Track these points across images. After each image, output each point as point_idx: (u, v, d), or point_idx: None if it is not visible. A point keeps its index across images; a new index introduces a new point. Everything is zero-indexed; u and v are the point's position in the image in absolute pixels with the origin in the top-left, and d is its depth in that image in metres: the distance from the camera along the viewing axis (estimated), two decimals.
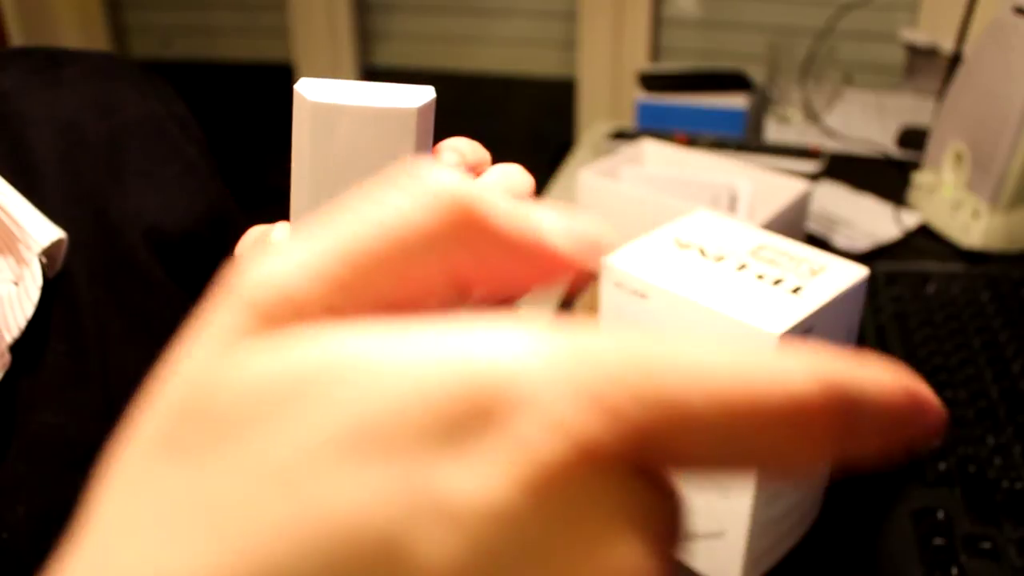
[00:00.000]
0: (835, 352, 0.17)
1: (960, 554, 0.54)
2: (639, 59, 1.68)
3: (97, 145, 0.49)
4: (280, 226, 0.32)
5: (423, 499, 0.13)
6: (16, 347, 0.43)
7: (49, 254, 0.44)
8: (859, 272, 0.50)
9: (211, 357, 0.15)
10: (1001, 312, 0.77)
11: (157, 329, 0.49)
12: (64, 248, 0.44)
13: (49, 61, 0.51)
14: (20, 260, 0.43)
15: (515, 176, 0.35)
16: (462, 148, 0.33)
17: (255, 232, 0.34)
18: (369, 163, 0.31)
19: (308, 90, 0.30)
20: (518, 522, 0.13)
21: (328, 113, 0.30)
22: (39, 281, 0.42)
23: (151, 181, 0.50)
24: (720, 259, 0.51)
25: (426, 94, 0.31)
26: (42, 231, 0.43)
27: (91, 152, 0.49)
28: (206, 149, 0.55)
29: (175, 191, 0.51)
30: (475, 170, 0.34)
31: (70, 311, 0.46)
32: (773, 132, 1.26)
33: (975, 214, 0.90)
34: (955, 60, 0.99)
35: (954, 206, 0.93)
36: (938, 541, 0.54)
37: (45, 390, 0.44)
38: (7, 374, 0.42)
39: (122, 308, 0.48)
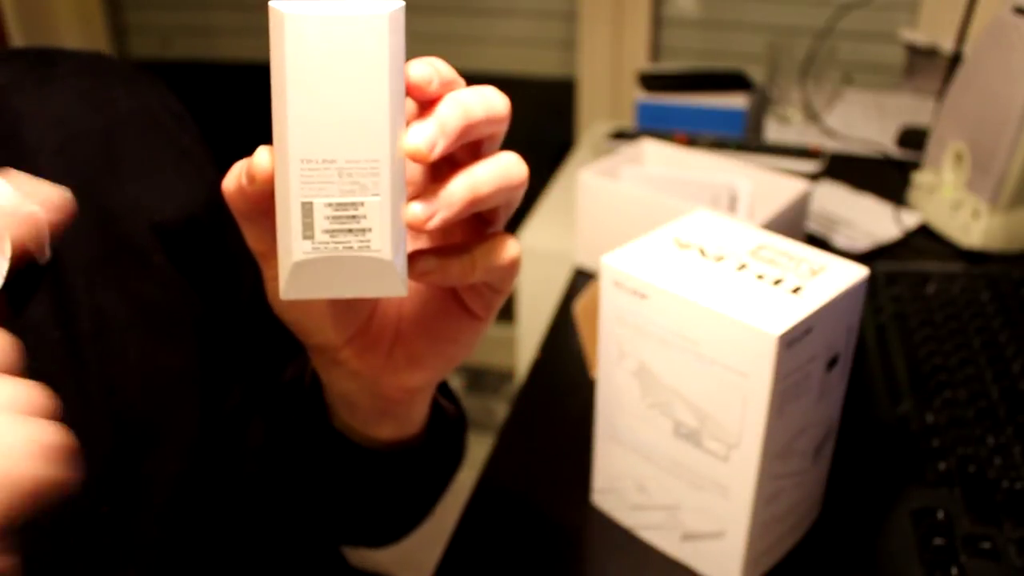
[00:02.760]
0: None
1: (960, 554, 0.54)
2: (639, 59, 1.68)
3: (91, 138, 0.49)
4: (261, 149, 0.33)
5: None
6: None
7: None
8: (859, 272, 0.50)
9: None
10: (1001, 312, 0.77)
11: (157, 315, 0.49)
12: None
13: (41, 60, 0.51)
14: None
15: (490, 95, 0.35)
16: (436, 63, 0.34)
17: (239, 164, 0.34)
18: (345, 71, 0.31)
19: (283, 5, 0.31)
20: None
21: (302, 24, 0.31)
22: (5, 264, 0.42)
23: (148, 170, 0.51)
24: (720, 259, 0.51)
25: (396, 2, 0.31)
26: None
27: (85, 145, 0.49)
28: (201, 139, 0.55)
29: (172, 179, 0.51)
30: (449, 86, 0.34)
31: (65, 299, 0.46)
32: (773, 132, 1.26)
33: (975, 214, 0.90)
34: (955, 60, 0.99)
35: (954, 206, 0.93)
36: (938, 541, 0.54)
37: (36, 378, 0.44)
38: None
39: (122, 295, 0.48)
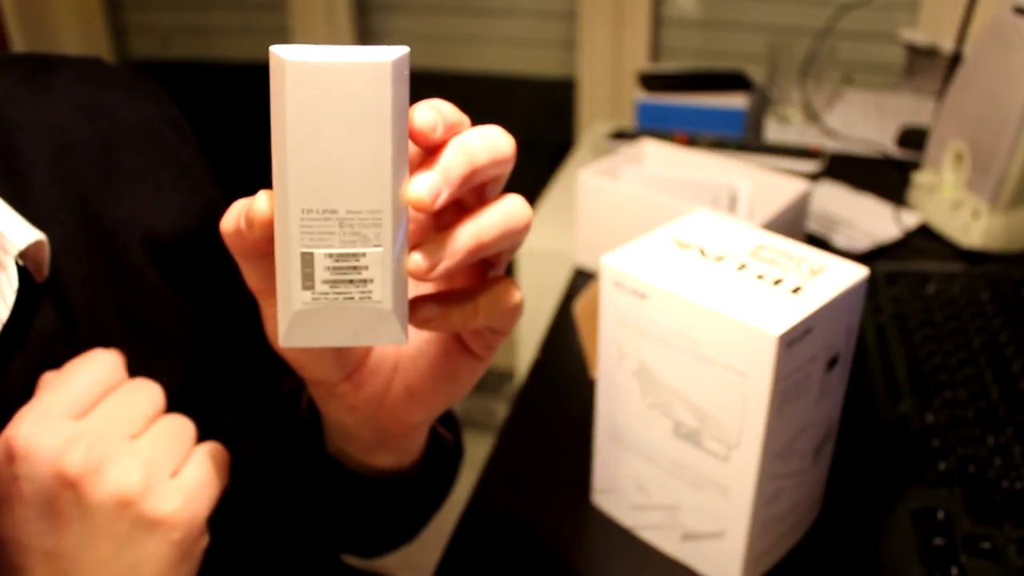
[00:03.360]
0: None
1: (960, 554, 0.54)
2: (639, 59, 1.68)
3: (88, 149, 0.49)
4: (261, 194, 0.32)
5: None
6: (4, 351, 0.43)
7: (33, 258, 0.44)
8: (859, 272, 0.50)
9: None
10: (1001, 312, 0.77)
11: (152, 333, 0.49)
12: (47, 251, 0.44)
13: (39, 68, 0.50)
14: None
15: (495, 137, 0.34)
16: (441, 107, 0.33)
17: (238, 205, 0.34)
18: (347, 120, 0.31)
19: (284, 51, 0.30)
20: None
21: (304, 71, 0.30)
22: (15, 284, 0.42)
23: (144, 185, 0.50)
24: (720, 259, 0.51)
25: (399, 49, 0.31)
26: (19, 234, 0.42)
27: (82, 156, 0.48)
28: (200, 151, 0.55)
29: (169, 194, 0.51)
30: (453, 129, 0.33)
31: (64, 315, 0.45)
32: (773, 132, 1.26)
33: (975, 214, 0.90)
34: (955, 60, 0.99)
35: (954, 206, 0.93)
36: (938, 541, 0.54)
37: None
38: None
39: (118, 312, 0.48)
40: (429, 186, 0.32)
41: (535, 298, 1.30)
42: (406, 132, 0.32)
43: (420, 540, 0.62)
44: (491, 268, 0.38)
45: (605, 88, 1.74)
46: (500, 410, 1.91)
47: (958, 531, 0.55)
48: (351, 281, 0.32)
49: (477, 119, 0.35)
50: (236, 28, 1.96)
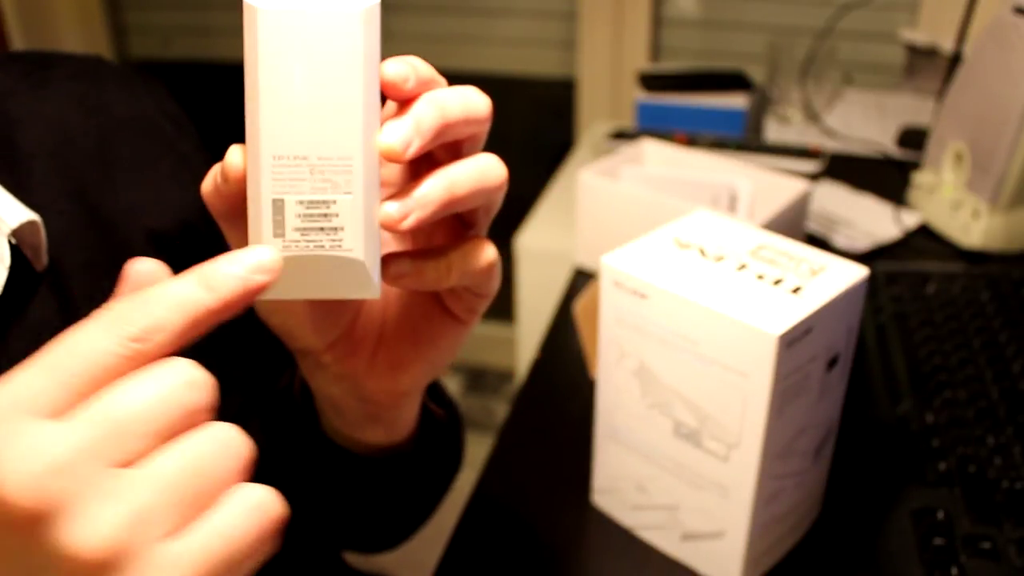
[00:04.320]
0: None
1: (960, 554, 0.54)
2: (639, 59, 1.68)
3: (86, 142, 0.49)
4: (234, 149, 0.32)
5: None
6: (2, 336, 0.43)
7: (30, 243, 0.44)
8: (859, 272, 0.50)
9: None
10: (1001, 312, 0.77)
11: None
12: (43, 235, 0.44)
13: (38, 64, 0.51)
14: None
15: (470, 95, 0.34)
16: (414, 62, 0.33)
17: (216, 168, 0.34)
18: (317, 68, 0.31)
19: (256, 1, 0.31)
20: None
21: (275, 19, 0.30)
22: (7, 261, 0.42)
23: (143, 176, 0.50)
24: (720, 259, 0.51)
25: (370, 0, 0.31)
26: (12, 213, 0.42)
27: (80, 149, 0.49)
28: (200, 144, 0.55)
29: (168, 185, 0.51)
30: (427, 85, 0.33)
31: (64, 304, 0.46)
32: (773, 132, 1.26)
33: (975, 214, 0.90)
34: (955, 60, 0.99)
35: (954, 206, 0.93)
36: (938, 541, 0.54)
37: None
38: None
39: None
40: (400, 135, 0.32)
41: (535, 298, 1.30)
42: (378, 82, 0.32)
43: (420, 539, 0.62)
44: (469, 229, 0.38)
45: (605, 88, 1.73)
46: (500, 410, 1.91)
47: (958, 531, 0.55)
48: (322, 229, 0.32)
49: None
50: (236, 28, 1.95)
